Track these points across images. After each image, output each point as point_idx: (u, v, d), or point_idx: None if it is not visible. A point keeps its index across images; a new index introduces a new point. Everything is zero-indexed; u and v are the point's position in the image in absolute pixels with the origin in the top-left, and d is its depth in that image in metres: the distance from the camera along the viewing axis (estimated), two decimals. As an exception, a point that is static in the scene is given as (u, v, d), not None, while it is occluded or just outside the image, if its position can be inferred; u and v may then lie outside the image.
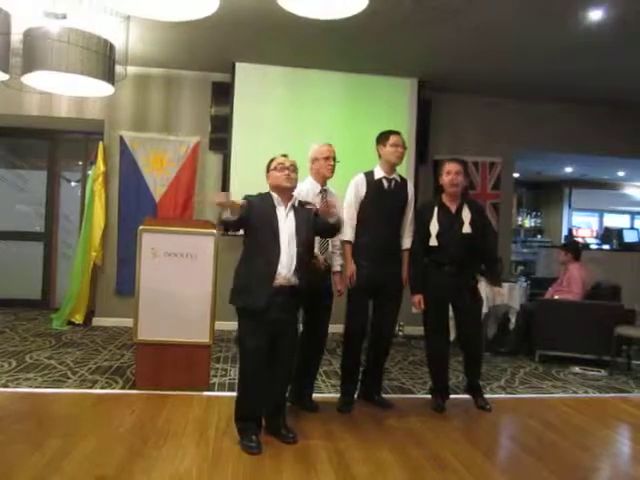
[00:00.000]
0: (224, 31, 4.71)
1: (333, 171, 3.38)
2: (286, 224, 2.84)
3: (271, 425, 2.94)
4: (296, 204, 2.92)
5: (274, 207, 2.86)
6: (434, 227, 3.49)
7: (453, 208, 3.54)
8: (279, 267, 2.76)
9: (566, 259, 5.45)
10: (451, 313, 3.65)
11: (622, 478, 2.79)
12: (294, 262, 2.80)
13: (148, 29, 4.65)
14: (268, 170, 2.97)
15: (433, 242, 3.49)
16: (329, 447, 2.85)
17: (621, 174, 8.97)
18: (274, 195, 2.90)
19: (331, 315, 3.42)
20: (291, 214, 2.88)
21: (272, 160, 2.97)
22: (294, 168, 2.93)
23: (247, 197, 2.84)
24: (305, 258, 2.89)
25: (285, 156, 2.97)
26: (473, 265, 3.61)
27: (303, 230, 2.86)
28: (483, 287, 3.80)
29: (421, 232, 3.54)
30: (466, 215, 3.53)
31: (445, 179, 3.53)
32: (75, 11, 3.86)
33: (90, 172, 6.10)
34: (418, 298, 3.52)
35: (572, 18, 4.13)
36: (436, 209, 3.54)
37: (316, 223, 2.94)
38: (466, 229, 3.50)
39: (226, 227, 2.80)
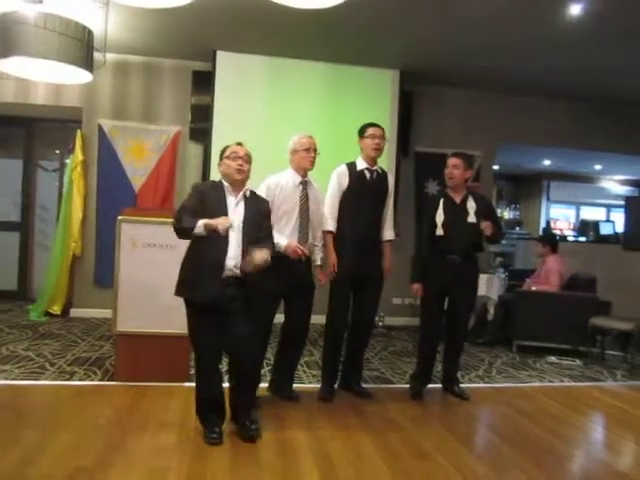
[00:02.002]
0: (205, 19, 4.65)
1: (313, 163, 3.35)
2: (235, 213, 2.75)
3: (236, 419, 2.87)
4: (247, 194, 2.83)
5: (224, 195, 2.78)
6: (439, 217, 3.58)
7: (458, 199, 3.62)
8: (227, 257, 2.67)
9: (544, 251, 5.53)
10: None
11: (596, 464, 2.86)
12: (242, 252, 2.70)
13: (128, 15, 4.56)
14: (221, 158, 2.86)
15: (439, 231, 3.57)
16: (310, 437, 2.88)
17: (598, 167, 9.11)
18: (225, 184, 2.81)
19: (312, 305, 3.42)
20: (241, 204, 2.79)
21: (226, 148, 2.86)
22: (248, 158, 2.83)
23: (196, 185, 2.71)
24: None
25: (240, 144, 2.87)
26: (476, 256, 3.68)
27: (253, 221, 2.78)
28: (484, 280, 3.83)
29: (427, 223, 3.63)
30: (471, 206, 3.61)
31: (445, 172, 3.63)
32: (52, -4, 3.78)
33: (68, 161, 6.00)
34: (417, 287, 3.61)
35: (554, 13, 4.16)
36: (442, 200, 3.63)
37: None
38: (471, 219, 3.58)
39: (180, 232, 2.68)
